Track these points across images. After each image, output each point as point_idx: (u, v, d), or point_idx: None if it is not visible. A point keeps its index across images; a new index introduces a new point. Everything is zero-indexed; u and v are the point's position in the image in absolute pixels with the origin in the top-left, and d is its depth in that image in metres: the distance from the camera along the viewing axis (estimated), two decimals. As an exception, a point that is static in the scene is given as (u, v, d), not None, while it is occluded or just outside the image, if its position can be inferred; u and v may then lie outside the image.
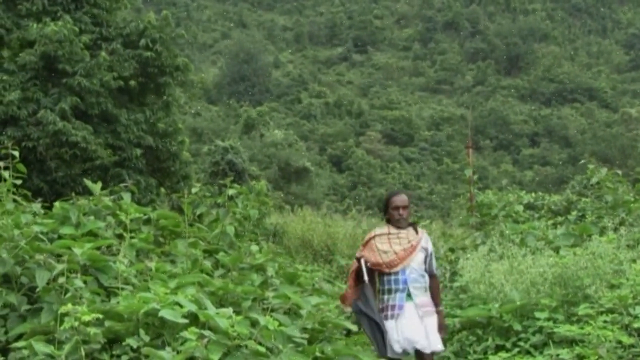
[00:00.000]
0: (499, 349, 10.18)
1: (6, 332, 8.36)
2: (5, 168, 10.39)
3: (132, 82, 26.02)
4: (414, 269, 8.47)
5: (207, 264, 10.60)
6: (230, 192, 13.20)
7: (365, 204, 64.46)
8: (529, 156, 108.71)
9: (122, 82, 25.17)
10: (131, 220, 10.85)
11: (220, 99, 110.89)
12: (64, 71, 23.81)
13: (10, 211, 9.90)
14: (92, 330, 7.32)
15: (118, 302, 8.15)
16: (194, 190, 13.13)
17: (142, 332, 7.65)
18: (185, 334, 7.30)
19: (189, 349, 7.21)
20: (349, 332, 10.72)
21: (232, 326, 7.60)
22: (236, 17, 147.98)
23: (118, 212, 11.15)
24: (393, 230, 8.63)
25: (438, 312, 8.61)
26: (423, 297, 8.48)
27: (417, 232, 8.66)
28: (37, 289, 8.50)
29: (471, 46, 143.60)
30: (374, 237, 8.67)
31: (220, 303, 8.90)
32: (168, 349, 7.49)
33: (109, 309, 7.96)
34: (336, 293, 13.47)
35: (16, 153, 10.55)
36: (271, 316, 8.50)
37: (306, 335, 8.99)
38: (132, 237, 10.46)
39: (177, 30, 30.59)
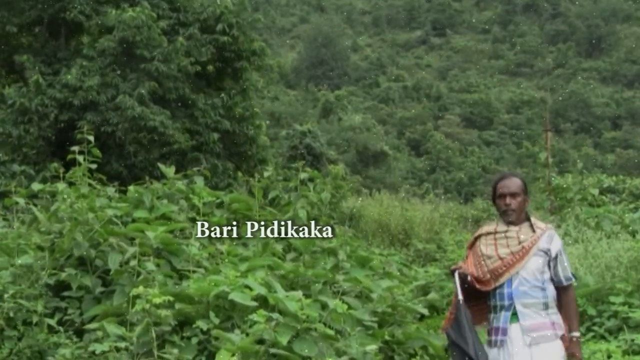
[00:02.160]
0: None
1: (81, 314, 8.51)
2: (81, 152, 10.54)
3: (210, 67, 26.25)
4: (525, 280, 6.27)
5: (279, 247, 10.63)
6: (303, 176, 13.22)
7: (444, 187, 64.04)
8: (610, 139, 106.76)
9: (199, 67, 25.41)
10: (204, 204, 10.95)
11: (299, 83, 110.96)
12: (142, 56, 24.08)
13: (86, 195, 10.05)
14: (163, 312, 7.40)
15: (189, 285, 8.22)
16: (266, 174, 13.19)
17: (212, 314, 7.72)
18: (254, 316, 7.32)
19: (258, 332, 7.24)
20: (422, 317, 10.67)
21: (302, 309, 7.56)
22: (314, 1, 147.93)
23: (191, 195, 11.26)
24: (501, 227, 6.48)
25: (571, 340, 6.33)
26: (537, 318, 6.25)
27: (533, 229, 6.41)
28: (111, 272, 8.63)
29: (552, 28, 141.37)
30: (479, 236, 6.60)
31: (290, 286, 8.92)
32: (237, 331, 7.54)
33: (179, 292, 8.05)
34: (412, 277, 13.43)
35: (92, 137, 10.69)
36: (341, 299, 8.48)
37: (376, 319, 8.98)
38: (204, 221, 10.53)
39: (254, 15, 30.72)
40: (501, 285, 6.31)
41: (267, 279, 8.43)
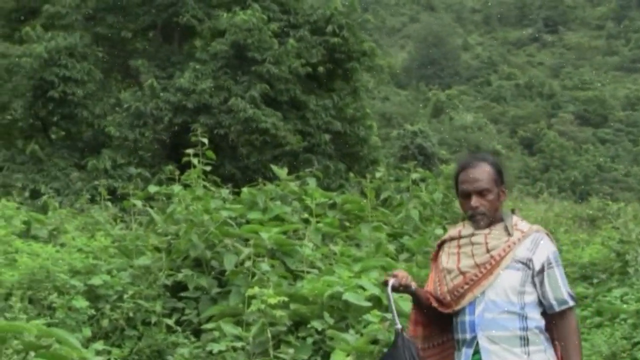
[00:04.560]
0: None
1: (198, 314, 8.64)
2: (195, 155, 10.69)
3: (320, 68, 26.37)
4: (494, 303, 4.34)
5: (391, 247, 10.61)
6: (415, 176, 13.18)
7: (558, 186, 63.09)
8: None
9: (310, 68, 25.57)
10: (317, 205, 10.98)
11: (409, 83, 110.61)
12: (254, 59, 24.34)
13: (200, 197, 10.19)
14: (278, 312, 7.45)
15: (303, 286, 8.27)
16: (378, 174, 13.18)
17: (326, 314, 7.75)
18: (368, 316, 7.33)
19: (372, 332, 7.23)
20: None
21: (415, 309, 7.52)
22: (424, 0, 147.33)
23: (304, 197, 11.31)
24: (467, 229, 4.58)
25: None
26: (509, 359, 4.31)
27: (509, 231, 4.46)
28: (226, 273, 8.75)
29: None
30: (442, 243, 4.72)
31: (404, 287, 8.87)
32: (351, 331, 7.56)
33: (294, 292, 8.10)
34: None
35: (206, 140, 10.83)
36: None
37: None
38: (317, 222, 10.60)
39: (364, 16, 30.77)
40: (462, 312, 4.44)
41: (381, 280, 8.41)
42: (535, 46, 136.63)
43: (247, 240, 9.03)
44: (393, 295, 4.53)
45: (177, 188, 10.46)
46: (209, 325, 7.98)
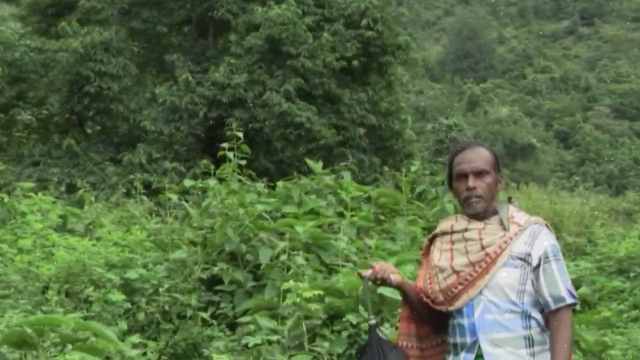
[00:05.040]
0: None
1: (233, 308, 8.66)
2: (230, 149, 10.71)
3: (355, 62, 26.38)
4: (494, 304, 4.01)
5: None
6: (450, 169, 13.12)
7: (594, 180, 62.66)
8: None
9: (344, 62, 25.56)
10: (351, 199, 10.96)
11: (444, 77, 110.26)
12: (288, 53, 24.36)
13: (236, 191, 10.21)
14: (313, 306, 7.45)
15: (338, 279, 8.26)
16: (413, 168, 13.15)
17: (361, 308, 7.73)
18: (403, 310, 7.30)
19: (408, 326, 7.21)
20: (573, 311, 10.45)
21: (451, 303, 7.49)
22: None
23: (339, 190, 11.30)
24: (460, 223, 4.21)
25: None
26: None
27: (505, 225, 4.11)
28: (261, 266, 8.76)
29: None
30: (434, 238, 4.38)
31: (439, 280, 8.85)
32: (386, 324, 7.54)
33: (329, 286, 8.09)
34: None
35: (241, 134, 10.84)
36: (492, 293, 8.36)
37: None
38: (352, 215, 10.58)
39: (399, 9, 30.73)
40: (459, 313, 4.09)
41: (416, 273, 8.39)
42: (571, 39, 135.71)
43: (282, 234, 9.05)
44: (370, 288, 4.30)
45: (212, 182, 10.49)
46: (245, 319, 7.99)
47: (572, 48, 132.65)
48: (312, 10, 26.35)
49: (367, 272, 4.23)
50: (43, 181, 21.38)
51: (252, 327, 7.80)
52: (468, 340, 4.02)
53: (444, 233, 4.24)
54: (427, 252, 4.36)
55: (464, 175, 4.12)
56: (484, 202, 4.10)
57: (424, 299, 4.19)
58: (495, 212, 4.14)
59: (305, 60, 24.29)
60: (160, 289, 8.28)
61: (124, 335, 7.44)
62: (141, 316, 8.09)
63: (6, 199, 11.42)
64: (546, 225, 4.15)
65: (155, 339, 8.00)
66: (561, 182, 56.66)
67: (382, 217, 11.63)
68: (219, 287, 8.85)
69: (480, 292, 4.00)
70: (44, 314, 6.78)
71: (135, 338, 7.32)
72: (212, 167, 11.22)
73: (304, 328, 7.41)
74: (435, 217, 11.91)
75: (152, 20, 26.66)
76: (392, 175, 22.68)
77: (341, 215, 10.71)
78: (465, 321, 4.03)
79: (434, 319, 4.26)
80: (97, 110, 24.65)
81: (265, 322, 7.72)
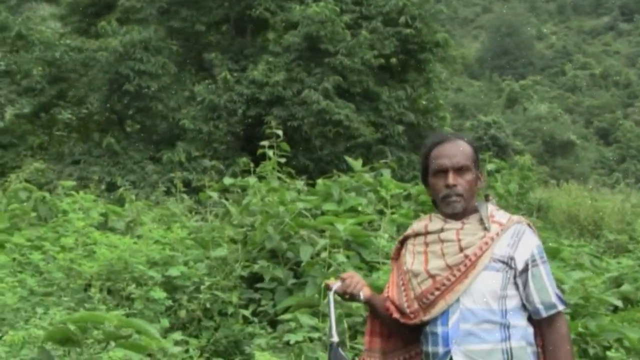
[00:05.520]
0: None
1: (274, 305, 8.66)
2: (270, 147, 10.73)
3: (393, 60, 26.31)
4: (471, 312, 3.66)
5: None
6: (489, 167, 13.09)
7: (635, 177, 62.10)
8: None
9: (382, 60, 25.51)
10: (391, 196, 10.94)
11: (482, 74, 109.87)
12: (327, 51, 24.37)
13: (276, 189, 10.23)
14: (354, 304, 7.44)
15: (379, 277, 8.24)
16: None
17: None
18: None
19: (449, 323, 7.18)
20: (615, 309, 10.37)
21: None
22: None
23: (378, 188, 11.29)
24: (435, 224, 3.86)
25: None
26: None
27: (485, 225, 3.76)
28: (302, 264, 8.76)
29: None
30: (405, 240, 4.02)
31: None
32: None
33: (370, 283, 8.04)
34: (604, 269, 13.05)
35: (280, 132, 10.86)
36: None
37: (569, 310, 8.77)
38: (392, 213, 10.56)
39: (437, 6, 30.63)
40: (433, 322, 3.72)
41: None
42: (611, 35, 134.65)
43: (322, 231, 9.05)
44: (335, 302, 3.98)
45: (252, 180, 10.52)
46: (286, 316, 7.99)
47: (612, 44, 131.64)
48: (350, 8, 26.35)
49: (336, 284, 3.96)
50: (83, 180, 21.55)
51: (293, 324, 7.80)
52: (440, 350, 3.70)
53: (417, 234, 3.91)
54: (397, 255, 4.04)
55: (443, 171, 3.79)
56: (464, 201, 3.78)
57: (394, 315, 3.85)
58: (474, 211, 3.83)
59: (344, 58, 24.30)
60: (202, 287, 8.30)
61: (165, 333, 7.46)
62: (183, 313, 8.12)
63: (48, 198, 11.54)
64: (529, 225, 3.83)
65: (196, 337, 8.02)
66: (602, 179, 56.26)
67: (422, 215, 11.58)
68: (259, 285, 8.86)
69: (458, 299, 3.66)
70: (87, 311, 6.82)
71: (177, 335, 7.35)
72: (252, 165, 11.26)
73: (346, 325, 7.39)
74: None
75: (191, 19, 26.76)
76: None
77: (381, 212, 10.70)
78: (439, 329, 3.70)
79: (402, 332, 3.96)
80: (136, 109, 24.82)
81: (306, 319, 7.71)
